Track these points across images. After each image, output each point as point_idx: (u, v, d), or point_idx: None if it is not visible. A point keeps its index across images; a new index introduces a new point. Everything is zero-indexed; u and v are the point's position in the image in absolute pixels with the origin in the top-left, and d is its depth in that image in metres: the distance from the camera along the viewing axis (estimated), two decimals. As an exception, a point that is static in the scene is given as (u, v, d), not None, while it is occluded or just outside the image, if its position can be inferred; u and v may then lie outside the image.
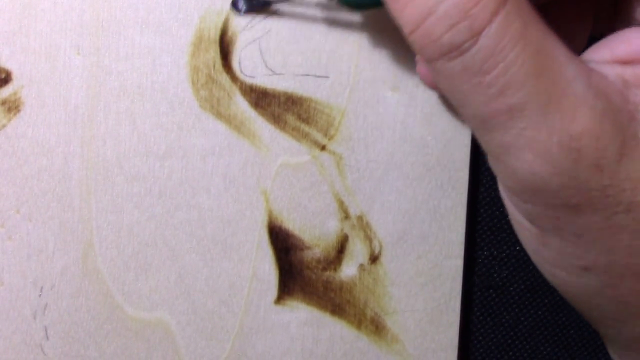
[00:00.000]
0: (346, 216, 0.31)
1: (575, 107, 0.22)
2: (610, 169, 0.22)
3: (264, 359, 0.32)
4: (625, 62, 0.24)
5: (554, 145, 0.22)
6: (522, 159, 0.22)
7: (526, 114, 0.22)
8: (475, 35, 0.21)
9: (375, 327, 0.32)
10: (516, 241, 0.34)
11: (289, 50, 0.31)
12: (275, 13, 0.31)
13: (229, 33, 0.31)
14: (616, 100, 0.22)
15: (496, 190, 0.33)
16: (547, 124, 0.22)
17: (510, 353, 0.34)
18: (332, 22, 0.31)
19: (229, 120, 0.31)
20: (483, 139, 0.24)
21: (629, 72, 0.23)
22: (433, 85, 0.30)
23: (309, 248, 0.32)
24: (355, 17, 0.31)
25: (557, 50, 0.22)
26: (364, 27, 0.31)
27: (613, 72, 0.23)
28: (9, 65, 0.31)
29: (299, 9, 0.31)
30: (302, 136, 0.31)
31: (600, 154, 0.22)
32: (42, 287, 0.31)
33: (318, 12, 0.31)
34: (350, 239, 0.32)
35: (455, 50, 0.22)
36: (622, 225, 0.23)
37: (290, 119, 0.31)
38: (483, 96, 0.22)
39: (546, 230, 0.24)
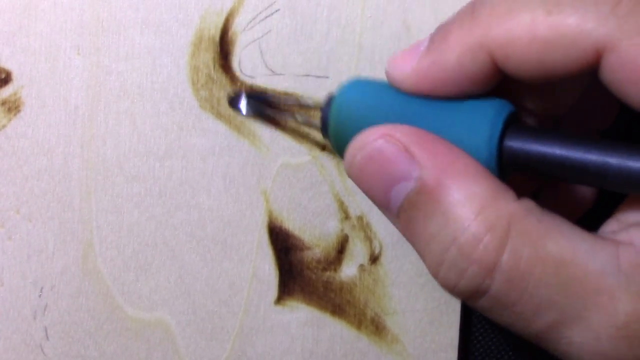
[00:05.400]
0: (346, 216, 0.31)
1: (611, 300, 0.22)
2: None
3: (264, 359, 0.32)
4: None
5: (603, 342, 0.22)
6: (582, 358, 0.23)
7: (567, 325, 0.22)
8: (488, 276, 0.22)
9: (375, 327, 0.32)
10: (516, 241, 0.34)
11: (289, 51, 0.31)
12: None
13: (229, 33, 0.31)
14: None
15: (496, 190, 0.33)
16: (590, 327, 0.22)
17: (510, 353, 0.34)
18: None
19: (229, 120, 0.31)
20: (542, 346, 0.24)
21: None
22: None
23: (309, 248, 0.32)
24: (355, 11, 0.31)
25: (577, 250, 0.22)
26: (364, 27, 0.31)
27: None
28: (9, 65, 0.31)
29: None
30: (302, 136, 0.31)
31: None
32: (42, 288, 0.31)
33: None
34: (350, 239, 0.32)
35: (475, 293, 0.22)
36: None
37: (291, 119, 0.31)
38: (520, 322, 0.22)
39: None
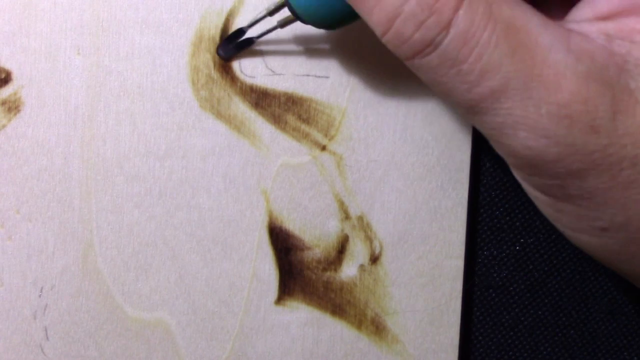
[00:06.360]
0: (346, 216, 0.31)
1: (557, 76, 0.22)
2: (606, 127, 0.22)
3: (264, 359, 0.32)
4: (607, 18, 0.24)
5: (544, 117, 0.22)
6: (516, 137, 0.23)
7: (510, 93, 0.22)
8: (444, 28, 0.22)
9: (375, 327, 0.32)
10: (516, 241, 0.34)
11: (289, 51, 0.31)
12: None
13: (230, 33, 0.31)
14: (600, 57, 0.23)
15: (496, 190, 0.33)
16: (532, 99, 0.22)
17: (510, 353, 0.34)
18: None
19: (229, 120, 0.31)
20: (475, 123, 0.24)
21: (611, 26, 0.24)
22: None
23: (309, 248, 0.32)
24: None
25: (529, 21, 0.22)
26: (364, 27, 0.31)
27: (595, 29, 0.23)
28: (9, 65, 0.31)
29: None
30: (302, 136, 0.31)
31: (592, 115, 0.22)
32: (42, 288, 0.31)
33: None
34: (350, 239, 0.32)
35: (428, 46, 0.22)
36: (630, 181, 0.23)
37: (291, 119, 0.31)
38: (464, 84, 0.23)
39: (558, 197, 0.24)
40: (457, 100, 0.23)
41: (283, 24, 0.29)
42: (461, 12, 0.22)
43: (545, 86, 0.22)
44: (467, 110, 0.23)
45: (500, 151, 0.24)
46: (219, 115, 0.31)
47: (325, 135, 0.31)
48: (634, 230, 0.24)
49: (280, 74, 0.31)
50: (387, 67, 0.31)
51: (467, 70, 0.22)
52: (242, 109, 0.31)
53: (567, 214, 0.25)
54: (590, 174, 0.23)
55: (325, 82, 0.31)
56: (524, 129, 0.22)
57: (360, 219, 0.31)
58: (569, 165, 0.23)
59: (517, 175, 0.26)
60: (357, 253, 0.32)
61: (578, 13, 0.25)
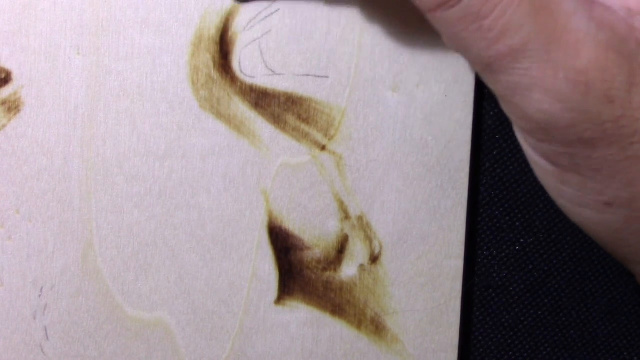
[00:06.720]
0: (346, 216, 0.31)
1: (578, 42, 0.22)
2: (621, 99, 0.22)
3: (264, 359, 0.32)
4: None
5: (561, 81, 0.22)
6: (530, 99, 0.22)
7: (529, 54, 0.22)
8: None
9: (375, 327, 0.32)
10: (516, 241, 0.34)
11: (289, 50, 0.31)
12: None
13: (229, 33, 0.31)
14: (621, 30, 0.23)
15: (496, 190, 0.33)
16: (551, 62, 0.22)
17: (510, 353, 0.34)
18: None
19: (229, 120, 0.31)
20: (490, 82, 0.24)
21: (633, 1, 0.23)
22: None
23: (309, 248, 0.32)
24: (355, 11, 0.31)
25: None
26: (364, 27, 0.31)
27: (618, 2, 0.23)
28: (9, 65, 0.31)
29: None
30: (302, 136, 0.31)
31: (608, 85, 0.22)
32: (42, 288, 0.31)
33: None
34: (350, 239, 0.32)
35: None
36: (639, 156, 0.23)
37: (291, 119, 0.31)
38: (484, 41, 0.22)
39: (564, 167, 0.24)
40: (475, 57, 0.23)
41: None
42: None
43: (565, 51, 0.22)
44: (483, 67, 0.23)
45: (511, 114, 0.24)
46: (219, 115, 0.31)
47: (325, 135, 0.31)
48: (638, 207, 0.24)
49: (280, 74, 0.31)
50: (387, 67, 0.31)
51: (489, 27, 0.22)
52: (242, 109, 0.31)
53: (571, 186, 0.25)
54: (600, 144, 0.23)
55: (325, 82, 0.31)
56: (539, 91, 0.22)
57: (360, 218, 0.31)
58: (580, 133, 0.23)
59: (526, 142, 0.25)
60: (357, 253, 0.32)
61: None
